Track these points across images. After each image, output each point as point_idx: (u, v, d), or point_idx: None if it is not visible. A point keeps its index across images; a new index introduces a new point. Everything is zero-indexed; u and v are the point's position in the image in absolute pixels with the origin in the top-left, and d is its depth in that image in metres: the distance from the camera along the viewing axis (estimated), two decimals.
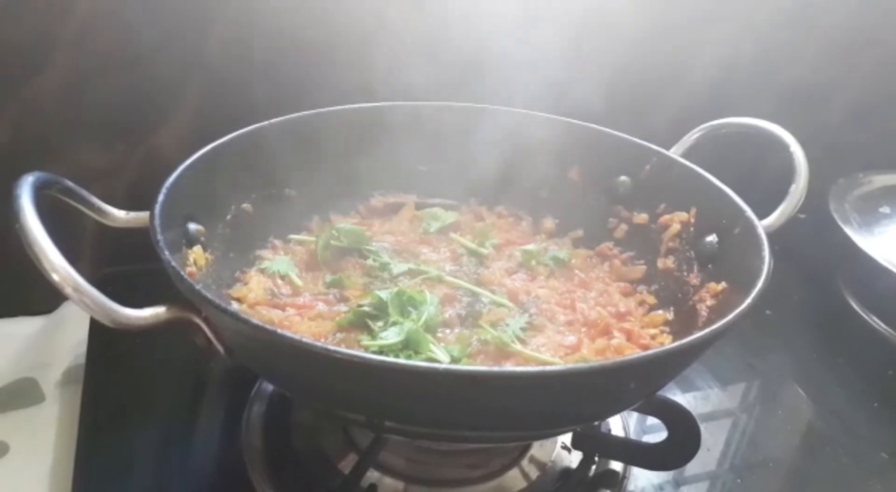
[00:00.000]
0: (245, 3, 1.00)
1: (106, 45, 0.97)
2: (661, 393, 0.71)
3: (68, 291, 0.54)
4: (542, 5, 1.10)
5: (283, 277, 0.85)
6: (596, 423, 0.84)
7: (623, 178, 0.96)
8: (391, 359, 0.57)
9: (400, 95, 0.99)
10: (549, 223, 1.01)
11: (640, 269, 0.92)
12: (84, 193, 0.69)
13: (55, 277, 0.54)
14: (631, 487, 0.83)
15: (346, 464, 0.78)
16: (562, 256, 0.93)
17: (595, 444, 0.82)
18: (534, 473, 0.81)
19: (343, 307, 0.81)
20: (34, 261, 0.54)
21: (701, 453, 0.72)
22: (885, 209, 1.27)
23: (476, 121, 0.98)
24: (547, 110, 0.98)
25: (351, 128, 0.95)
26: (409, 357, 0.70)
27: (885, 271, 1.08)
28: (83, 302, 0.55)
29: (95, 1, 0.94)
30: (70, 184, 0.67)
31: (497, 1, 1.09)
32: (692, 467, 0.81)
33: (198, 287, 0.58)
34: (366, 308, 0.77)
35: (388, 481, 0.77)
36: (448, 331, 0.78)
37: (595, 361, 0.73)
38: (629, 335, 0.81)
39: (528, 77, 1.03)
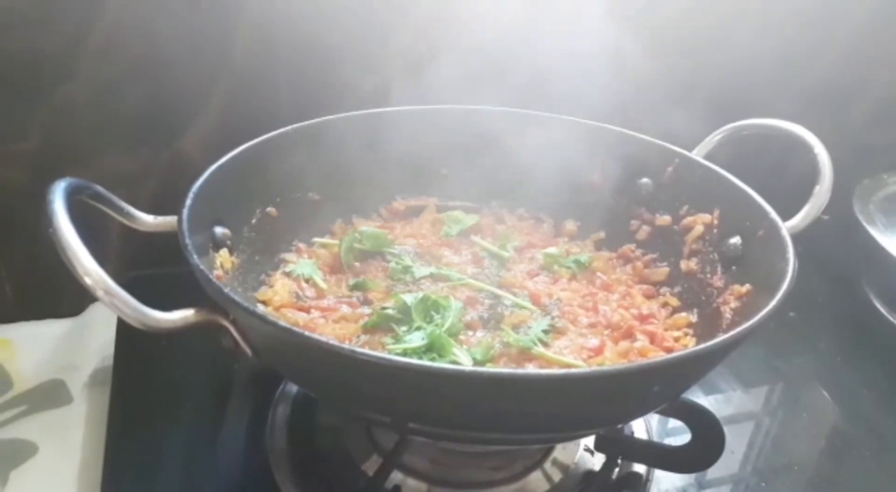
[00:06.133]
0: (268, 10, 1.01)
1: (132, 52, 0.98)
2: (684, 395, 0.70)
3: (100, 293, 0.55)
4: (558, 8, 1.10)
5: (307, 280, 0.85)
6: (619, 425, 0.84)
7: (645, 180, 0.95)
8: (416, 361, 0.58)
9: (422, 99, 0.99)
10: (570, 226, 1.01)
11: (662, 271, 0.92)
12: (114, 198, 0.70)
13: (87, 280, 0.55)
14: (654, 490, 0.82)
15: (370, 466, 0.79)
16: (583, 259, 0.93)
17: (618, 446, 0.82)
18: (556, 475, 0.81)
19: (366, 310, 0.82)
20: (67, 265, 0.55)
21: (724, 456, 0.71)
22: None
23: (496, 123, 0.98)
24: (568, 113, 0.98)
25: (373, 132, 0.96)
26: (432, 360, 0.70)
27: None
28: (114, 305, 0.55)
29: (122, 10, 0.95)
30: (100, 189, 0.68)
31: (516, 3, 1.09)
32: (716, 470, 0.80)
33: (226, 290, 0.58)
34: (389, 311, 0.77)
35: (412, 482, 0.78)
36: (471, 333, 0.79)
37: (618, 364, 0.73)
38: (652, 338, 0.80)
39: (547, 80, 1.03)
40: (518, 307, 0.83)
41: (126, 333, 0.96)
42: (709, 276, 0.85)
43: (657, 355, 0.76)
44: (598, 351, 0.78)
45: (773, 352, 1.07)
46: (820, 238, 0.88)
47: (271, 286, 0.84)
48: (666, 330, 0.83)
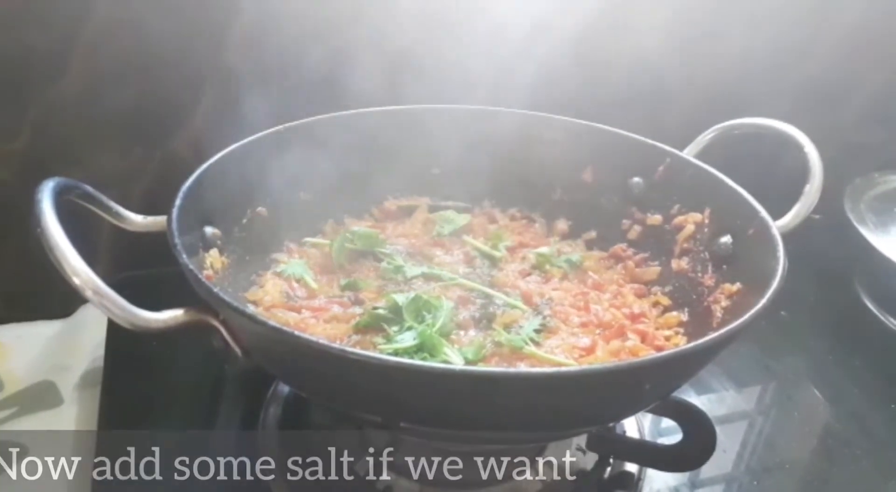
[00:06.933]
0: (260, 9, 1.01)
1: (123, 51, 0.98)
2: (676, 395, 0.70)
3: (89, 294, 0.55)
4: (554, 6, 1.10)
5: (298, 280, 0.85)
6: (611, 424, 0.84)
7: (636, 179, 0.95)
8: (407, 360, 0.58)
9: (414, 99, 0.99)
10: (562, 225, 1.01)
11: (654, 270, 0.92)
12: (103, 197, 0.70)
13: (76, 280, 0.54)
14: (646, 489, 0.82)
15: (362, 466, 0.79)
16: (575, 259, 0.93)
17: (610, 445, 0.82)
18: (549, 474, 0.81)
19: (358, 310, 0.81)
20: (55, 265, 0.55)
21: (716, 455, 0.71)
22: None
23: (489, 123, 0.99)
24: (560, 112, 0.98)
25: (365, 131, 0.96)
26: (423, 359, 0.70)
27: None
28: (103, 305, 0.55)
29: (113, 7, 0.95)
30: (90, 189, 0.68)
31: (511, 2, 1.09)
32: (708, 469, 0.81)
33: (216, 290, 0.58)
34: (381, 311, 0.77)
35: (404, 482, 0.78)
36: (462, 333, 0.78)
37: (610, 362, 0.73)
38: (644, 337, 0.80)
39: (540, 79, 1.03)
40: (510, 307, 0.83)
41: (116, 335, 0.95)
42: (700, 275, 0.85)
43: (648, 354, 0.76)
44: (590, 350, 0.78)
45: (765, 351, 1.07)
46: (811, 237, 0.89)
47: (262, 286, 0.84)
48: (657, 329, 0.83)
